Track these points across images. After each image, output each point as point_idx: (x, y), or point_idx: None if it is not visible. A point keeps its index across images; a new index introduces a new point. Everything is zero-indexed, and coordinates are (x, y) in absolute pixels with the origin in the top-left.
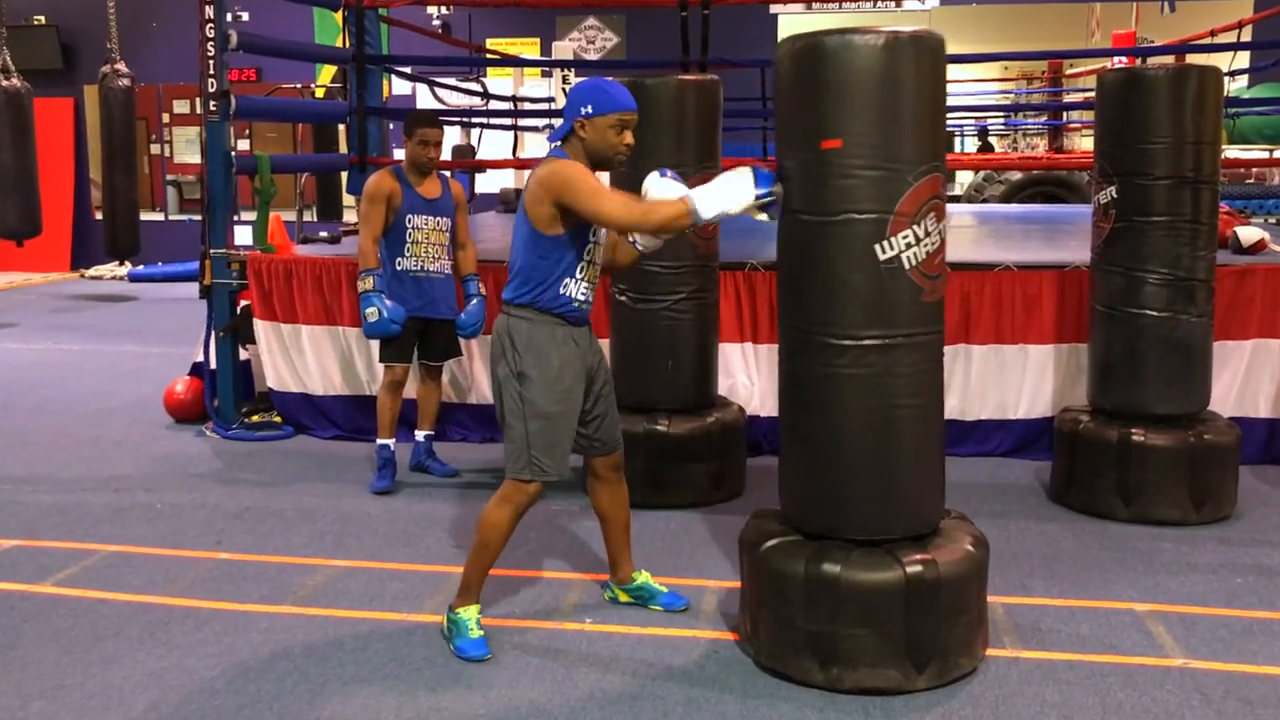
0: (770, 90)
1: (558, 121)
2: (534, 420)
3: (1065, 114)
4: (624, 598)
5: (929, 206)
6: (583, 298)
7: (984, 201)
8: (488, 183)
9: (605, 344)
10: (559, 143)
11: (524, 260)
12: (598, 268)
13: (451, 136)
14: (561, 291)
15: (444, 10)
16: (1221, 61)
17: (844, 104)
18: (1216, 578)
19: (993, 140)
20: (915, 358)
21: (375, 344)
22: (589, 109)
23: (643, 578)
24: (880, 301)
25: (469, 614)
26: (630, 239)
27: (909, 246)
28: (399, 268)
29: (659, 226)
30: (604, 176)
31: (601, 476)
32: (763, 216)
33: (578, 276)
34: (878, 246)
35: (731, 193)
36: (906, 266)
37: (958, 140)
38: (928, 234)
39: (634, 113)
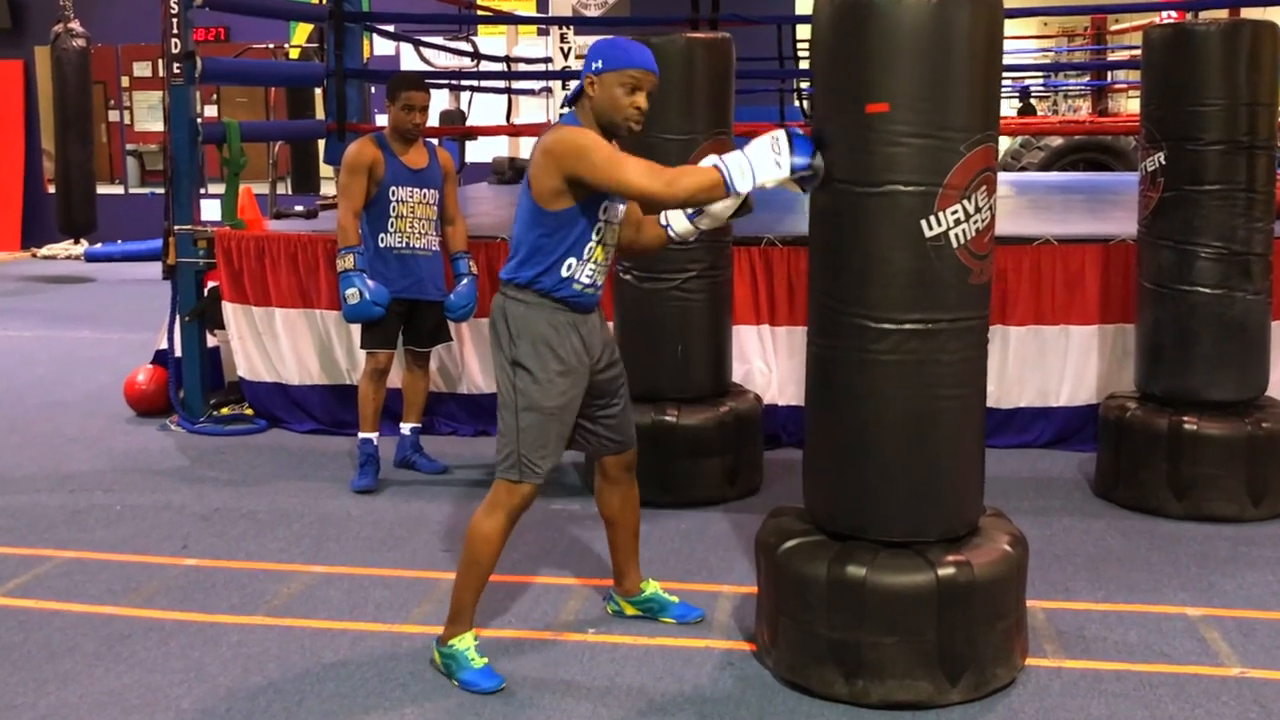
0: (788, 50)
1: (555, 85)
2: (525, 414)
3: (1109, 74)
4: (631, 610)
5: (981, 180)
6: (588, 280)
7: (1021, 169)
8: (479, 151)
9: (608, 327)
10: (570, 107)
11: (525, 238)
12: (609, 250)
13: (439, 101)
14: (564, 274)
15: None
16: (1278, 15)
17: (892, 64)
18: (1277, 579)
19: (1033, 102)
20: (960, 344)
21: (356, 329)
22: (599, 64)
23: (652, 588)
24: (924, 282)
25: (465, 643)
26: (662, 221)
27: (958, 223)
28: (382, 245)
29: (688, 197)
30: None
31: (612, 477)
32: (798, 190)
33: (584, 257)
34: (924, 222)
35: (767, 162)
36: (954, 245)
37: None
38: (978, 210)
39: (650, 73)
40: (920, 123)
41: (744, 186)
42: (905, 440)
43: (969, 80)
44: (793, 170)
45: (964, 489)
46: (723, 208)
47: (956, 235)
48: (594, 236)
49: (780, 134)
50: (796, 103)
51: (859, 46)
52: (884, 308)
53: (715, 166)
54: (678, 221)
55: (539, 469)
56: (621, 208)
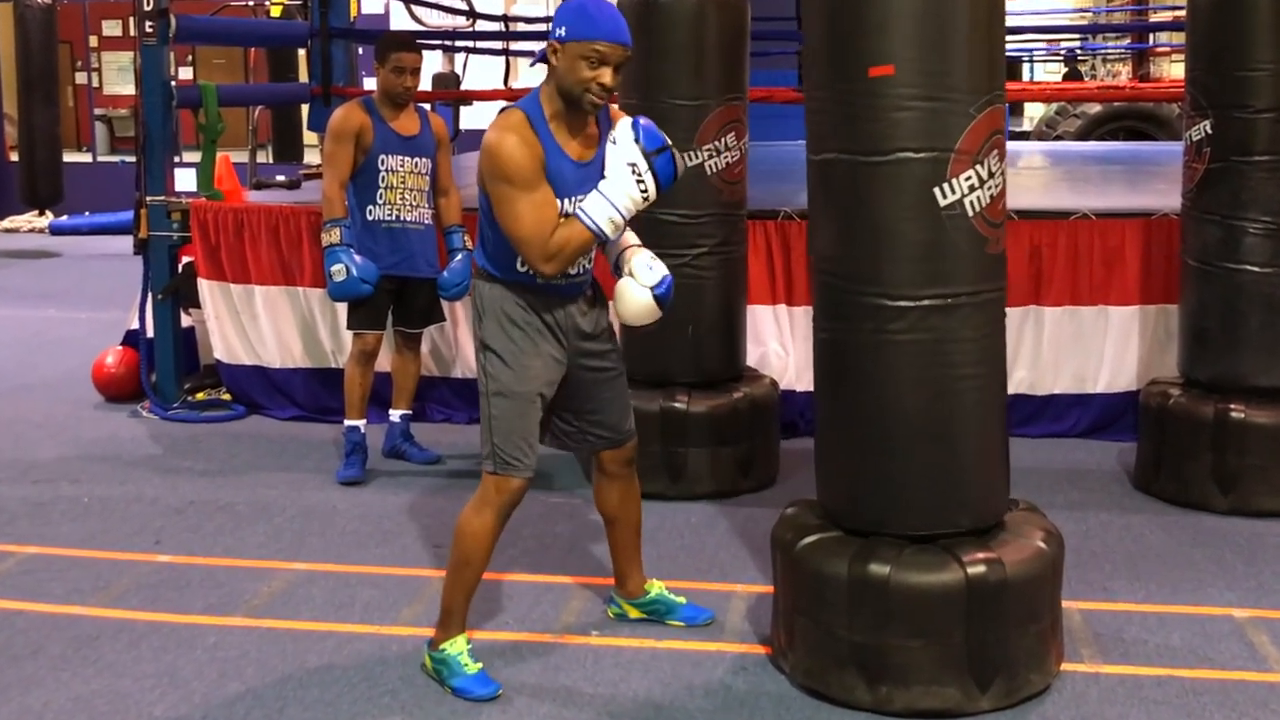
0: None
1: None
2: (496, 400)
3: (1151, 36)
4: (634, 614)
5: (992, 143)
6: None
7: (1057, 138)
8: (474, 117)
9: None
10: (541, 66)
11: (486, 229)
12: None
13: (432, 63)
14: (520, 268)
15: None
16: None
17: (897, 23)
18: None
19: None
20: (979, 319)
21: (342, 308)
22: (563, 31)
23: (657, 589)
24: (940, 255)
25: (457, 648)
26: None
27: (972, 190)
28: (370, 218)
29: (569, 263)
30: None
31: (610, 473)
32: (644, 289)
33: None
34: (937, 190)
35: (624, 185)
36: (970, 213)
37: (1026, 67)
38: (991, 175)
39: (618, 46)
40: (927, 85)
41: (608, 225)
42: (926, 425)
43: (973, 37)
44: (655, 173)
45: (990, 476)
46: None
47: (971, 203)
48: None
49: (633, 151)
50: None
51: (859, 5)
52: (899, 284)
53: (583, 220)
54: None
55: (517, 461)
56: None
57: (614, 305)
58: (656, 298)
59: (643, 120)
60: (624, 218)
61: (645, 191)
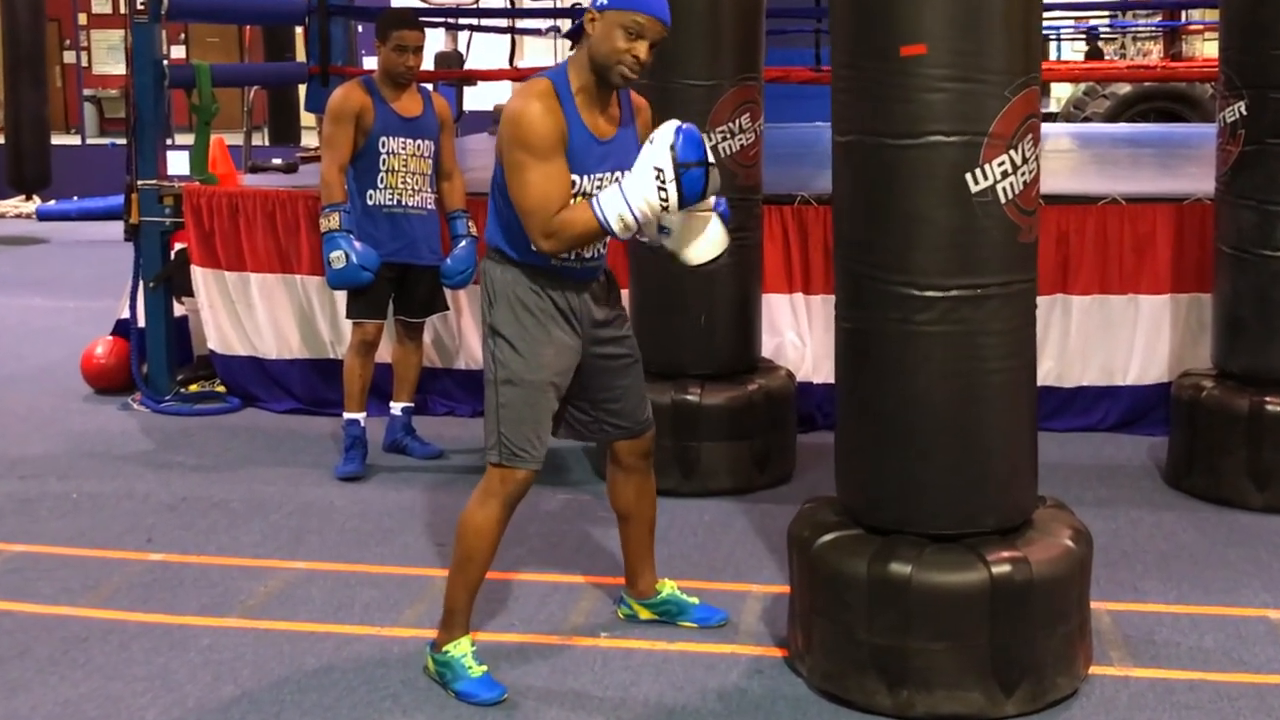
0: None
1: (564, 25)
2: (505, 389)
3: (1184, 13)
4: (645, 614)
5: (1026, 127)
6: (568, 254)
7: (1085, 120)
8: (479, 98)
9: (623, 296)
10: (571, 41)
11: (496, 202)
12: None
13: (435, 41)
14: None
15: None
16: None
17: (926, 1)
18: None
19: (1100, 46)
20: (1010, 311)
21: (341, 296)
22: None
23: (669, 589)
24: (970, 243)
25: (460, 649)
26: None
27: (1005, 176)
28: (371, 202)
29: (569, 247)
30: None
31: (627, 465)
32: (709, 214)
33: None
34: (969, 176)
35: (644, 187)
36: (1002, 200)
37: (1052, 45)
38: (1025, 160)
39: (658, 22)
40: (960, 65)
41: (618, 223)
42: (953, 420)
43: (1010, 17)
44: (681, 187)
45: (1018, 474)
46: (691, 247)
47: (1004, 189)
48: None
49: (664, 157)
50: None
51: None
52: (927, 273)
53: (587, 203)
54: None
55: (525, 452)
56: (609, 175)
57: (681, 249)
58: (720, 215)
59: (686, 127)
60: (638, 221)
61: (665, 202)
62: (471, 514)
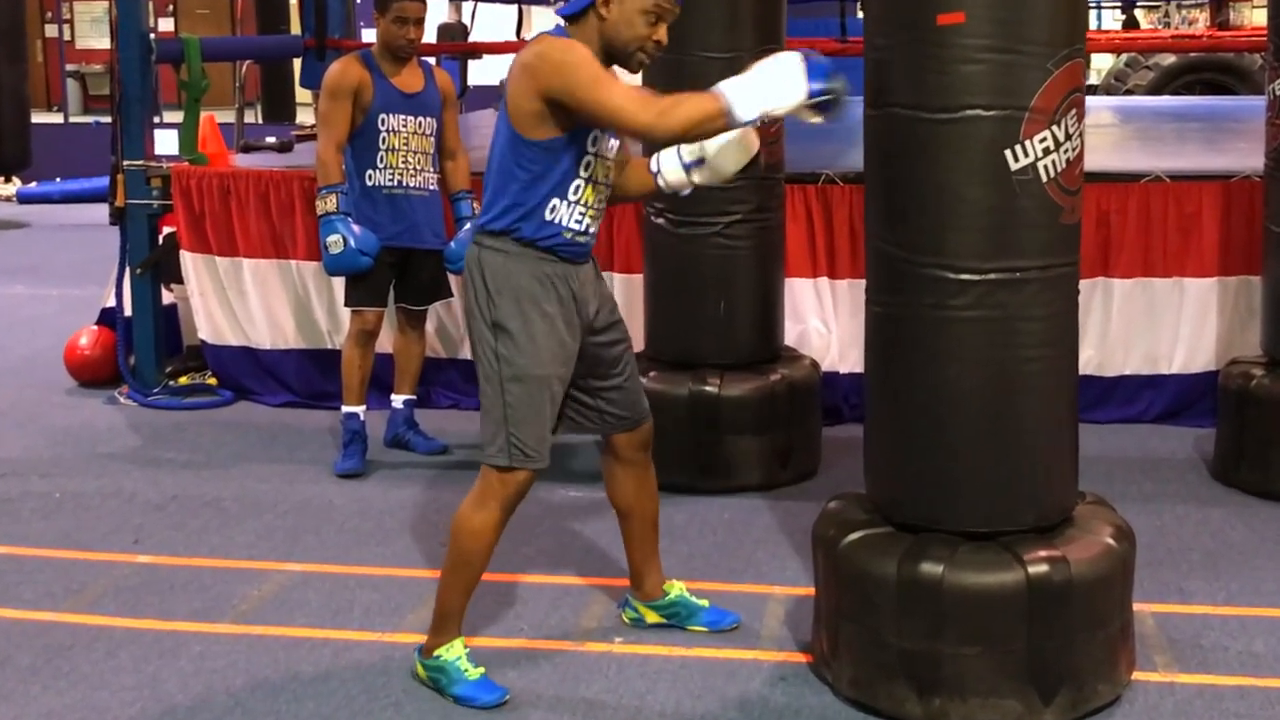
0: None
1: None
2: (512, 385)
3: None
4: (652, 618)
5: (1070, 102)
6: (578, 227)
7: (1127, 93)
8: (483, 72)
9: (636, 281)
10: (565, 20)
11: (503, 173)
12: (602, 190)
13: (437, 12)
14: (549, 216)
15: None
16: None
17: None
18: None
19: (1138, 14)
20: (1050, 296)
21: (339, 283)
22: None
23: (677, 590)
24: (1009, 224)
25: (454, 652)
26: (652, 166)
27: (1047, 153)
28: (370, 183)
29: (684, 130)
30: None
31: (625, 458)
32: (816, 119)
33: (570, 198)
34: (1008, 152)
35: (776, 86)
36: (1044, 178)
37: (1092, 14)
38: (1068, 137)
39: (675, 2)
40: (1001, 35)
41: (749, 113)
42: (989, 411)
43: None
44: (810, 95)
45: (1057, 468)
46: (724, 156)
47: (1045, 167)
48: (582, 173)
49: (793, 55)
50: (860, 14)
51: None
52: (964, 255)
53: (716, 92)
54: (670, 168)
55: (533, 451)
56: (615, 142)
57: (711, 158)
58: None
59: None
60: (761, 96)
61: (791, 79)
62: (468, 517)
